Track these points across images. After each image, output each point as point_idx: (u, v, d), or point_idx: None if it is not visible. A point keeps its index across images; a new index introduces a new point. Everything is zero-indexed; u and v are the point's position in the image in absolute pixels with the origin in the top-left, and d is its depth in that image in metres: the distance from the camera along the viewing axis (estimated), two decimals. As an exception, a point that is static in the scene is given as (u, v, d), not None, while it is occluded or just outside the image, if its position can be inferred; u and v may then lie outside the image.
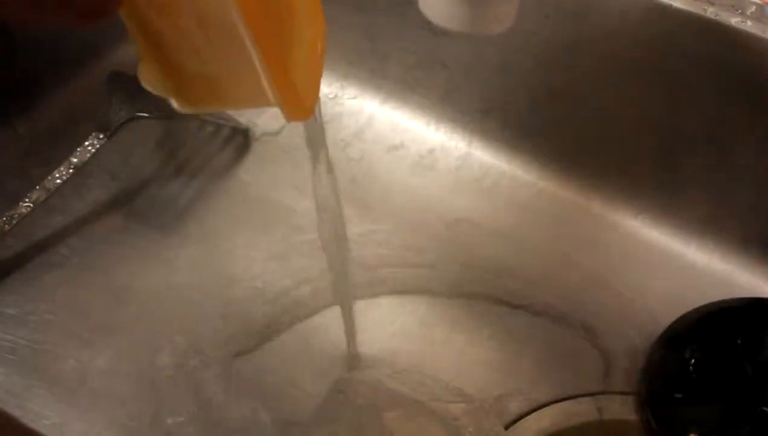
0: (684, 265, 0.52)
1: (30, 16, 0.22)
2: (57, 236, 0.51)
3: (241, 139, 0.57)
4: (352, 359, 0.46)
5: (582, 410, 0.45)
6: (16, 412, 0.43)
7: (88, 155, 0.51)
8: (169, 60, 0.28)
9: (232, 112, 0.57)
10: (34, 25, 0.23)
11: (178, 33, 0.27)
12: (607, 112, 0.51)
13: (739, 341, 0.45)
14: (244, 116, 0.57)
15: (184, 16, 0.26)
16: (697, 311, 0.47)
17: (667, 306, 0.48)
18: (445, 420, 0.43)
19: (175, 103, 0.30)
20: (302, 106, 0.30)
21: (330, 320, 0.48)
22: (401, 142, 0.57)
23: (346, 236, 0.40)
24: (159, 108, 0.52)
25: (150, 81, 0.30)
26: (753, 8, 0.43)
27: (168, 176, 0.55)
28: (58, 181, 0.50)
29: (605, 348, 0.48)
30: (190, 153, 0.56)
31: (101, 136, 0.52)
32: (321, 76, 0.32)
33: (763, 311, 0.47)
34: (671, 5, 0.44)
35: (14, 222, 0.48)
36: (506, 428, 0.44)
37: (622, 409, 0.45)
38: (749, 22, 0.43)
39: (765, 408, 0.43)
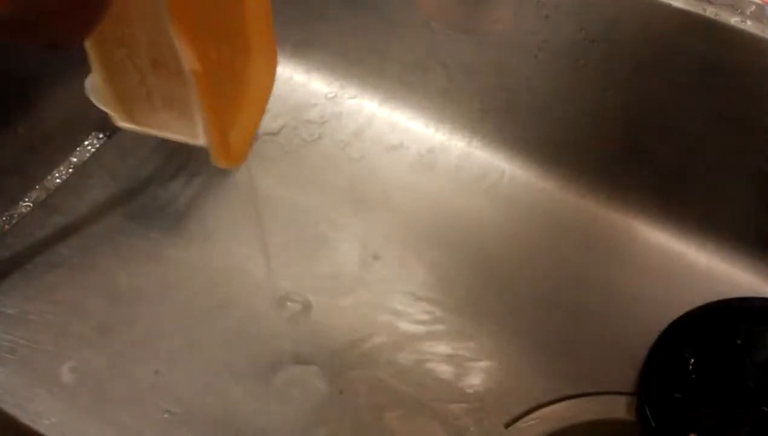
0: (684, 265, 0.52)
1: None
2: (57, 236, 0.51)
3: (241, 140, 0.57)
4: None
5: (582, 410, 0.45)
6: (16, 412, 0.43)
7: (88, 155, 0.51)
8: (117, 81, 0.30)
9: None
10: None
11: (131, 64, 0.29)
12: (607, 112, 0.51)
13: (739, 341, 0.45)
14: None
15: (140, 54, 0.28)
16: (697, 310, 0.47)
17: (667, 306, 0.48)
18: (446, 420, 0.43)
19: (114, 118, 0.31)
20: (231, 158, 0.32)
21: (331, 319, 0.48)
22: (401, 142, 0.57)
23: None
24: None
25: (95, 93, 0.31)
26: (752, 8, 0.44)
27: (168, 176, 0.55)
28: (58, 181, 0.50)
29: (605, 348, 0.48)
30: (190, 153, 0.56)
31: (101, 136, 0.52)
32: (253, 138, 0.34)
33: (763, 311, 0.47)
34: (671, 5, 0.44)
35: (14, 222, 0.48)
36: (506, 427, 0.44)
37: (622, 409, 0.45)
38: (749, 22, 0.43)
39: (765, 408, 0.43)
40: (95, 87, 0.31)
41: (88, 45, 0.29)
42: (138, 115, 0.31)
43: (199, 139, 0.30)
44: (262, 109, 0.35)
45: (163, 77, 0.28)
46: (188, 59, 0.27)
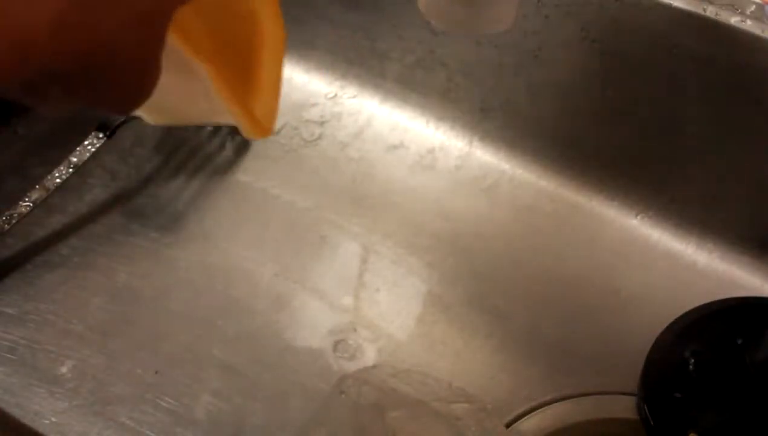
0: (684, 265, 0.52)
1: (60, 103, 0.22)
2: (57, 235, 0.51)
3: (241, 139, 0.57)
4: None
5: (582, 410, 0.45)
6: (16, 412, 0.43)
7: (88, 155, 0.51)
8: None
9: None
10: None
11: None
12: (607, 112, 0.51)
13: (739, 341, 0.45)
14: (243, 116, 0.57)
15: None
16: (697, 310, 0.47)
17: (667, 306, 0.48)
18: (447, 420, 0.43)
19: (145, 118, 0.32)
20: (259, 128, 0.32)
21: (331, 319, 0.48)
22: (401, 142, 0.57)
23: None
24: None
25: None
26: (752, 7, 0.44)
27: (168, 176, 0.55)
28: (58, 181, 0.50)
29: (605, 348, 0.48)
30: (189, 153, 0.56)
31: (101, 135, 0.52)
32: (278, 103, 0.35)
33: (763, 311, 0.47)
34: (671, 5, 0.44)
35: (14, 222, 0.48)
36: (507, 427, 0.44)
37: (622, 409, 0.45)
38: (749, 22, 0.43)
39: (765, 408, 0.43)
40: None
41: None
42: (163, 111, 0.32)
43: (227, 117, 0.31)
44: (278, 75, 0.35)
45: (173, 73, 0.28)
46: (192, 60, 0.27)
